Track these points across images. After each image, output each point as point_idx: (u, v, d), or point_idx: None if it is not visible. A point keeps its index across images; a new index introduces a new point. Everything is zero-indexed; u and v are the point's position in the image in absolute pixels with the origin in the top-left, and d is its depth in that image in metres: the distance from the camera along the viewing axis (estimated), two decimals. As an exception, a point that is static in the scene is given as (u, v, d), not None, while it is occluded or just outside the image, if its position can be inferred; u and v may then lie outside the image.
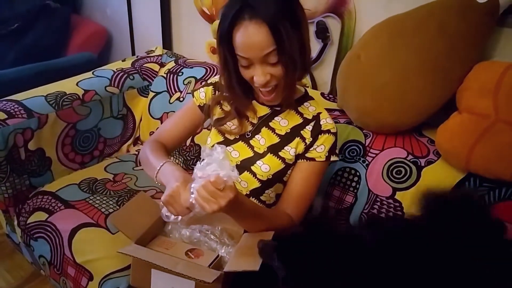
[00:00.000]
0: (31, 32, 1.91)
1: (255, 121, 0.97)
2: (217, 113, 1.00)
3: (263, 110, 0.97)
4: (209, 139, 1.01)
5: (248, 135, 0.97)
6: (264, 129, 0.96)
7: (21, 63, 1.73)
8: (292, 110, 0.96)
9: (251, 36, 0.77)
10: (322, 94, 1.30)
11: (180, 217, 0.81)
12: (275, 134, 0.95)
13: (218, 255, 0.85)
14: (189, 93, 1.47)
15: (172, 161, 0.89)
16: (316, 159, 0.93)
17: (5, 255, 1.60)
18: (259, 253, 0.76)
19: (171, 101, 1.50)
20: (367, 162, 1.08)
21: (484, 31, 0.95)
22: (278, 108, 0.96)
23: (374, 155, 1.08)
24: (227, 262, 0.83)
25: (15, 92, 1.35)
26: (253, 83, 0.85)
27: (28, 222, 1.23)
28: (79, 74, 1.51)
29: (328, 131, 0.93)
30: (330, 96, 1.29)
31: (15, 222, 1.31)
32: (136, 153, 1.57)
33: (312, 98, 0.99)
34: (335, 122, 1.16)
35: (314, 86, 1.40)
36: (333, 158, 0.94)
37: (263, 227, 0.87)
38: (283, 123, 0.95)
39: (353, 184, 1.09)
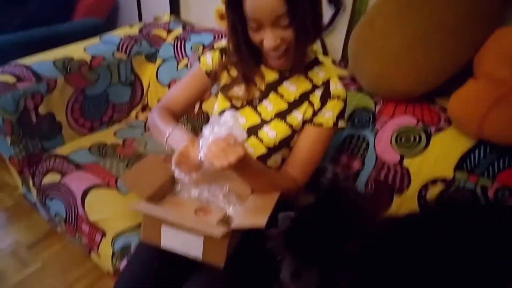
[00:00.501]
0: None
1: (262, 87, 0.96)
2: (224, 78, 0.99)
3: (271, 76, 0.96)
4: (216, 105, 1.01)
5: (255, 101, 0.96)
6: (272, 95, 0.95)
7: (27, 28, 1.72)
8: (301, 75, 0.94)
9: None
10: (333, 61, 1.28)
11: (193, 175, 0.83)
12: (283, 100, 0.95)
13: (225, 213, 0.88)
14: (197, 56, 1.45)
15: (181, 127, 0.91)
16: (324, 125, 0.92)
17: (23, 213, 1.68)
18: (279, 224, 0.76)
19: (178, 68, 1.50)
20: (376, 129, 1.08)
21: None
22: (287, 74, 0.95)
23: (383, 122, 1.08)
24: (234, 220, 0.85)
25: (22, 57, 1.36)
26: (263, 47, 0.84)
27: (42, 183, 1.29)
28: (86, 40, 1.51)
29: (338, 97, 0.92)
30: (341, 62, 1.28)
31: (30, 183, 1.37)
32: (145, 120, 1.58)
33: (322, 63, 0.98)
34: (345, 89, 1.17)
35: (325, 53, 1.38)
36: (340, 124, 0.93)
37: (269, 188, 0.89)
38: (292, 88, 0.94)
39: (361, 150, 1.10)
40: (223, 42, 1.01)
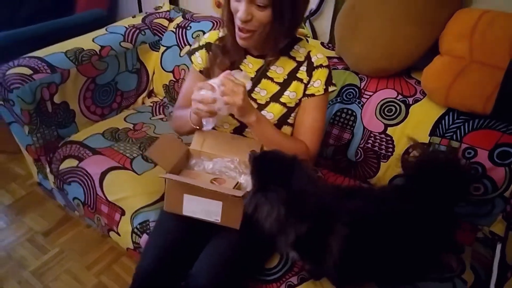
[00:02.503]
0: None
1: (253, 75, 1.10)
2: (216, 73, 1.09)
3: (258, 63, 1.10)
4: None
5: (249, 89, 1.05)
6: (263, 81, 1.09)
7: (31, 22, 1.88)
8: (284, 56, 1.08)
9: None
10: (322, 44, 1.52)
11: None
12: (274, 83, 1.09)
13: (238, 182, 1.02)
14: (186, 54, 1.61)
15: None
16: (316, 94, 1.07)
17: (37, 202, 1.87)
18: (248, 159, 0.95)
19: (181, 54, 1.72)
20: (362, 103, 1.33)
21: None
22: (271, 58, 1.08)
23: (368, 96, 1.32)
24: (247, 186, 1.03)
25: (30, 51, 1.53)
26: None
27: (60, 168, 1.47)
28: (90, 31, 1.70)
29: (321, 66, 1.08)
30: (329, 45, 1.51)
31: (47, 170, 1.56)
32: (151, 104, 1.81)
33: (300, 39, 1.10)
34: (334, 69, 1.40)
35: (315, 36, 1.62)
36: (331, 88, 1.08)
37: (280, 147, 0.99)
38: (279, 70, 1.09)
39: (350, 123, 1.35)
40: (205, 37, 1.17)
